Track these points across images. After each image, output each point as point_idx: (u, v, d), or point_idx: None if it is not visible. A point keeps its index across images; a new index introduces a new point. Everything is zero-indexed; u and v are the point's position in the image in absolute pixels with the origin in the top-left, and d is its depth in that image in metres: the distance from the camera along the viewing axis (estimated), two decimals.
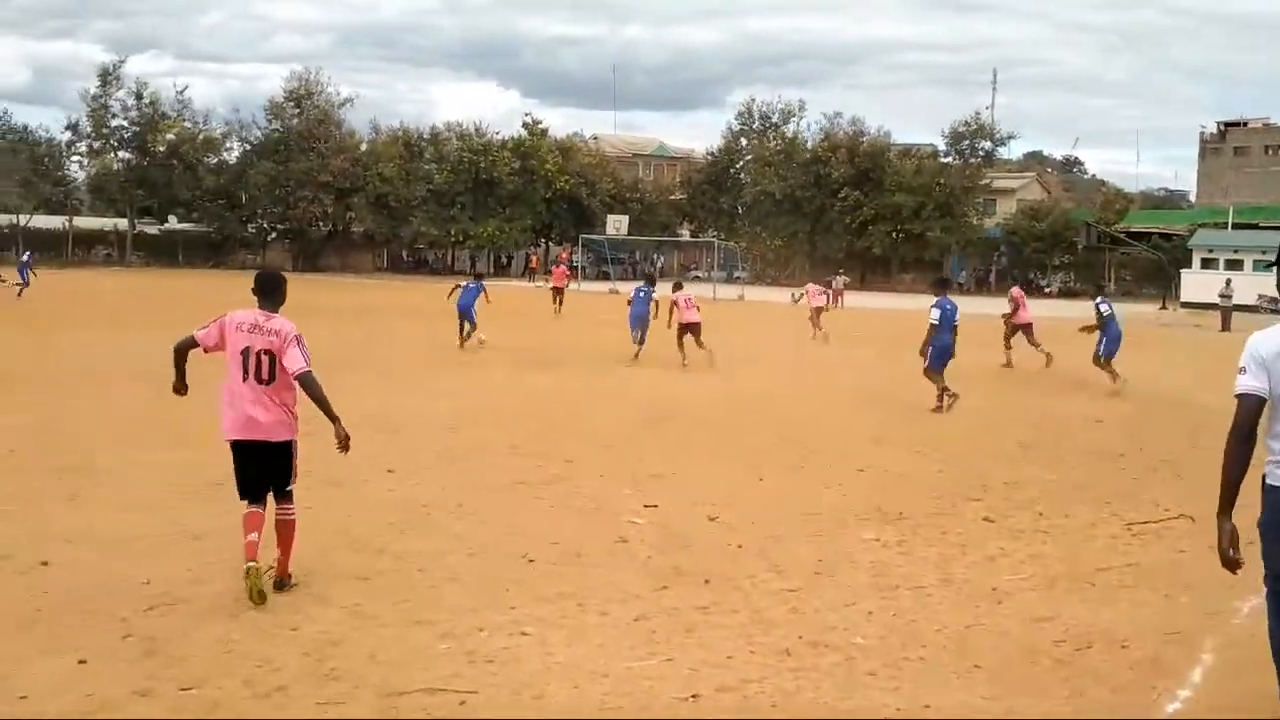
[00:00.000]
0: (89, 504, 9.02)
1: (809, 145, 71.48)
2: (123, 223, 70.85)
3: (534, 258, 72.73)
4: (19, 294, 35.47)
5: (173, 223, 72.69)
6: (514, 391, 17.00)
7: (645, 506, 9.45)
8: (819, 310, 29.95)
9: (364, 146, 70.81)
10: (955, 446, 12.96)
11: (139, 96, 68.57)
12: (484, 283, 24.76)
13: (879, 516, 9.37)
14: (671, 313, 21.85)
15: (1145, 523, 9.31)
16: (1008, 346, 22.69)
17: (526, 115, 77.08)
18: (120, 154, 69.67)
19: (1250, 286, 45.85)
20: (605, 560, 7.86)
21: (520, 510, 9.26)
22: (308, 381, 6.85)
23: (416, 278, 65.44)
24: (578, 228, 70.98)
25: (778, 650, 6.17)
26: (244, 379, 6.84)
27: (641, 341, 21.99)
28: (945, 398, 15.78)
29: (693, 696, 5.49)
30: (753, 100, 75.57)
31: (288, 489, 7.04)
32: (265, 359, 6.84)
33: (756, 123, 74.79)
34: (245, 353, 6.83)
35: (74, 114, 70.31)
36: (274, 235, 73.32)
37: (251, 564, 6.64)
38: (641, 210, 74.71)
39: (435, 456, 11.52)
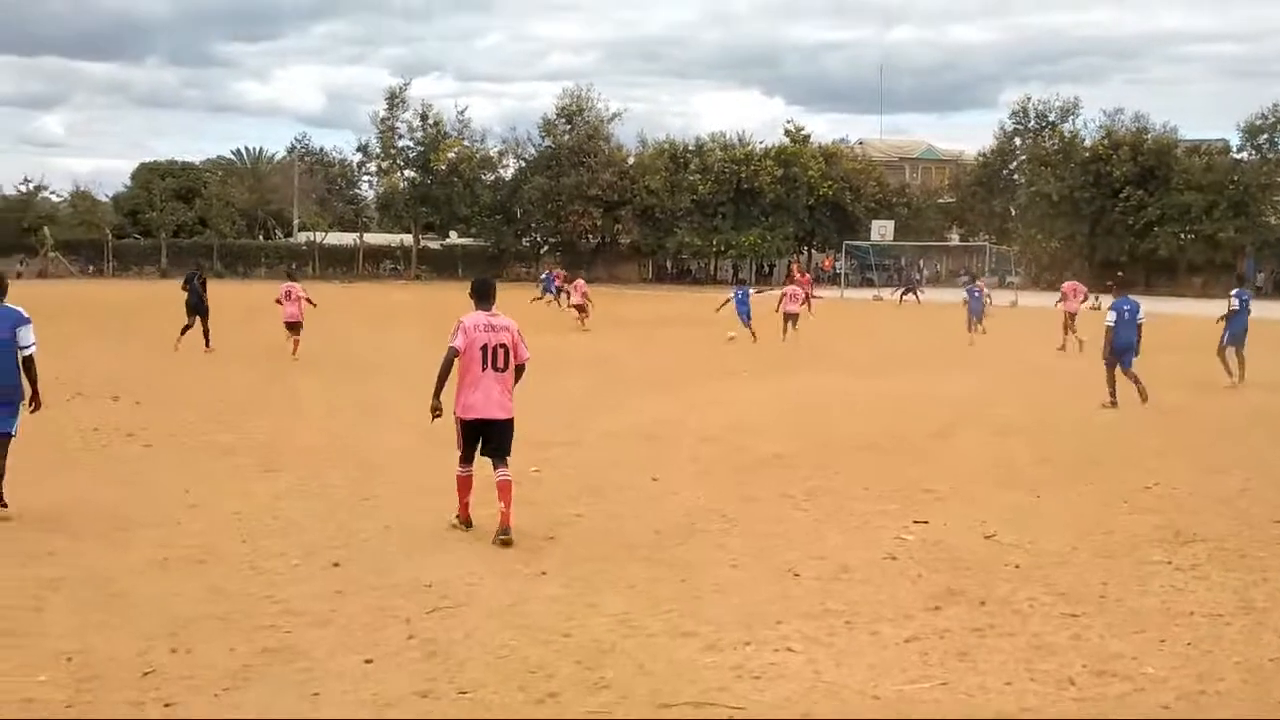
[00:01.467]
0: (382, 504, 9.54)
1: (1088, 144, 68.15)
2: (408, 238, 75.18)
3: (795, 266, 72.40)
4: (545, 302, 39.72)
5: (453, 238, 76.49)
6: (777, 399, 16.90)
7: (915, 522, 9.16)
8: (1072, 315, 26.81)
9: (631, 160, 72.30)
10: (1254, 462, 11.96)
11: (424, 118, 72.57)
12: (749, 289, 30.00)
13: (1170, 538, 8.74)
14: (781, 300, 27.92)
15: None
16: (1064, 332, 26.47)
17: (789, 122, 76.89)
18: (406, 173, 73.86)
19: None
20: (874, 577, 7.66)
21: (784, 522, 9.17)
22: (524, 367, 8.63)
23: (680, 287, 66.33)
24: (841, 234, 70.12)
25: (1060, 678, 5.84)
26: (484, 369, 8.36)
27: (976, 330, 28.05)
28: (1112, 399, 16.19)
29: None
30: (1028, 99, 72.65)
31: (508, 455, 8.50)
32: (501, 351, 8.42)
33: (1032, 121, 71.91)
34: (485, 348, 8.37)
35: (364, 136, 75.20)
36: (546, 248, 75.97)
37: (466, 521, 8.54)
38: (908, 215, 73.09)
39: (698, 465, 11.57)
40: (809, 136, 74.65)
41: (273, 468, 11.12)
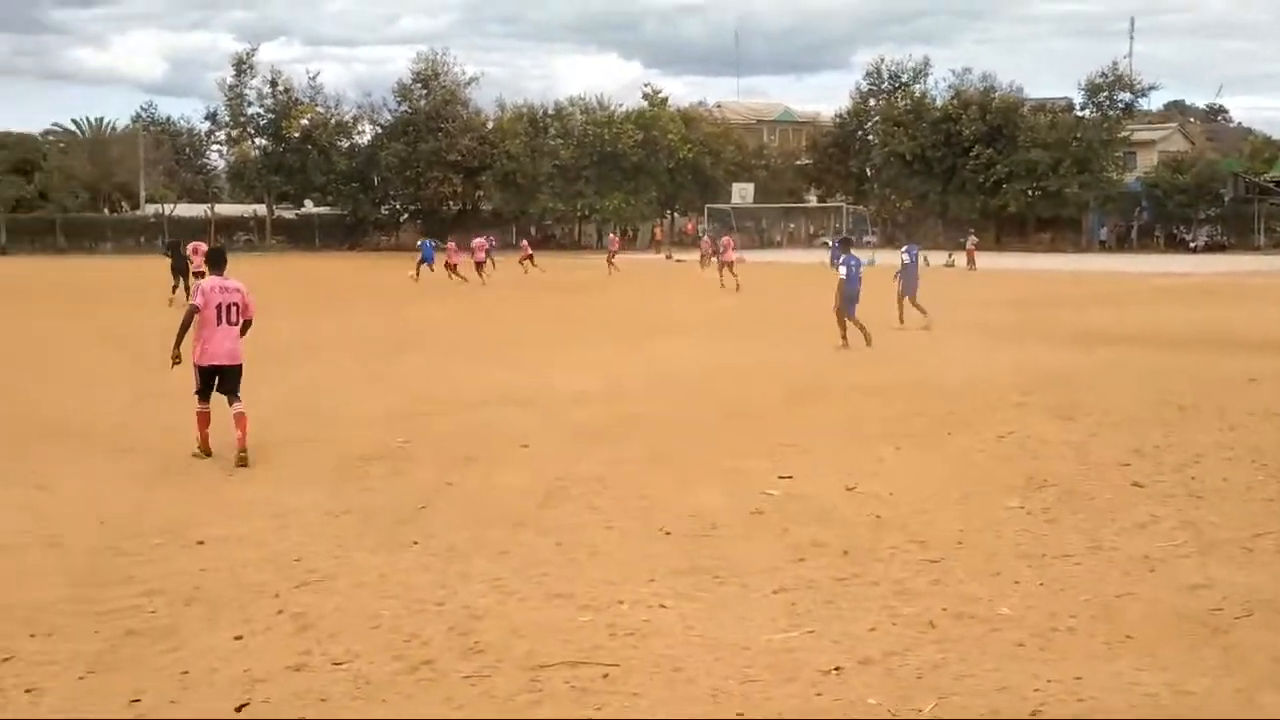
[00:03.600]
0: (253, 481, 9.35)
1: (938, 103, 69.89)
2: (261, 208, 73.02)
3: (659, 230, 72.75)
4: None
5: (309, 207, 74.53)
6: (646, 364, 17.02)
7: (780, 478, 9.36)
8: (729, 264, 33.51)
9: (490, 125, 71.47)
10: (1105, 410, 12.53)
11: (274, 84, 70.47)
12: (429, 244, 40.86)
13: (1024, 484, 9.12)
14: (725, 251, 34.09)
15: None
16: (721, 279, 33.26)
17: (646, 85, 77.00)
18: (257, 141, 71.69)
19: None
20: (742, 532, 7.81)
21: (655, 483, 9.26)
22: (250, 321, 10.48)
23: (544, 253, 65.97)
24: (703, 197, 70.73)
25: (921, 622, 6.05)
26: (219, 323, 10.08)
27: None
28: (845, 340, 18.36)
29: (835, 669, 5.42)
30: (881, 60, 74.25)
31: (238, 393, 10.14)
32: (234, 309, 10.21)
33: (885, 83, 73.39)
34: (220, 306, 10.12)
35: (212, 103, 72.68)
36: (406, 216, 74.65)
37: (206, 450, 10.09)
38: (767, 177, 74.04)
39: (569, 430, 11.59)
40: (667, 100, 75.00)
41: (125, 448, 10.76)
